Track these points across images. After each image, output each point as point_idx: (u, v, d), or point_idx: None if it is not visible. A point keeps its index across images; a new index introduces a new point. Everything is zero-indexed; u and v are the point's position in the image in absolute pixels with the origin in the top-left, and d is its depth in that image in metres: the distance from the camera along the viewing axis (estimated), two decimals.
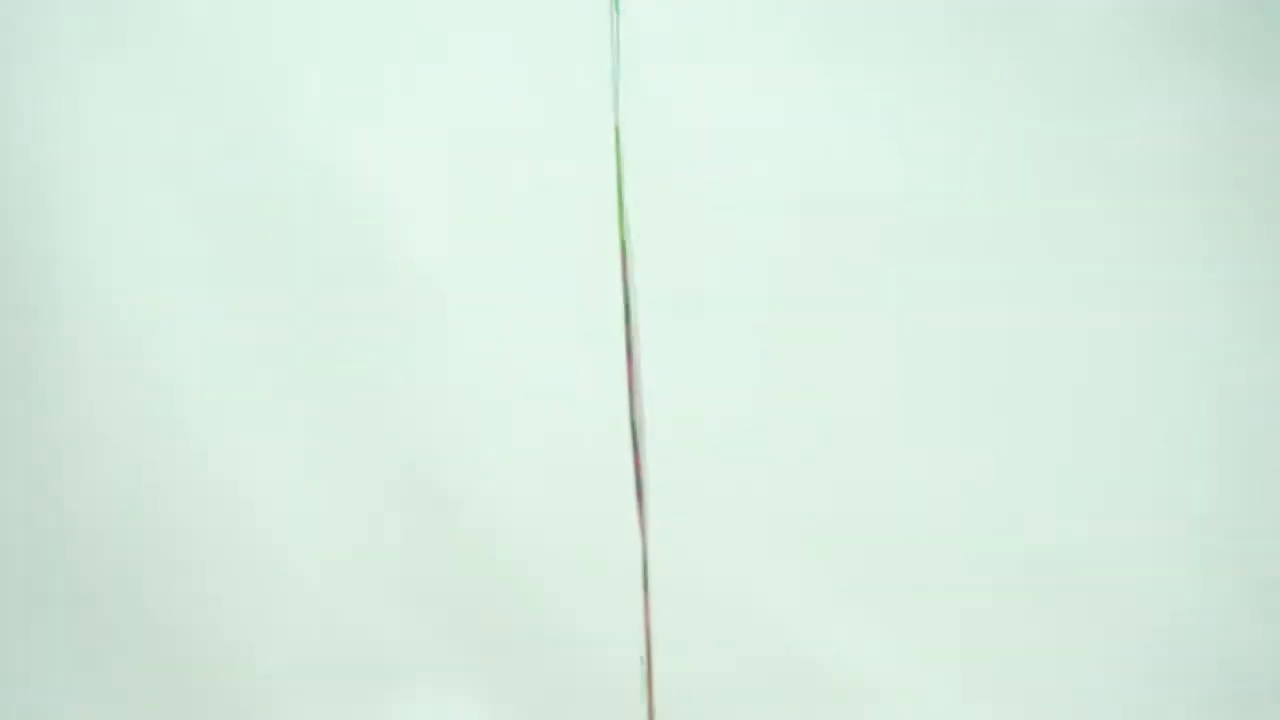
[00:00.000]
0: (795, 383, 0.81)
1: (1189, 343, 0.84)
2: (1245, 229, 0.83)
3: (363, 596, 0.84)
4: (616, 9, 0.51)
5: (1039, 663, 0.82)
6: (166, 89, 0.86)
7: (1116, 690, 0.82)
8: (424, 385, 0.86)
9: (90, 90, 0.85)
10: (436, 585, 0.83)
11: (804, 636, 0.77)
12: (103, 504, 0.87)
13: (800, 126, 0.80)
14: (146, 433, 0.87)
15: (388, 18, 0.85)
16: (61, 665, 0.83)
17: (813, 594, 0.77)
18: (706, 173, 0.80)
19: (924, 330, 0.84)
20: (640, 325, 0.50)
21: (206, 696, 0.84)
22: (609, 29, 0.51)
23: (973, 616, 0.82)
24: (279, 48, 0.89)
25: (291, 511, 0.86)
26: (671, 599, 0.58)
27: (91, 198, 0.86)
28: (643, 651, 0.52)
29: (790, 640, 0.77)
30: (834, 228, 0.80)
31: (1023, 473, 0.83)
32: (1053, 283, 0.83)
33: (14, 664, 0.84)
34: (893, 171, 0.79)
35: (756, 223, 0.83)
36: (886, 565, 0.80)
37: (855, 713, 0.77)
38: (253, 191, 0.88)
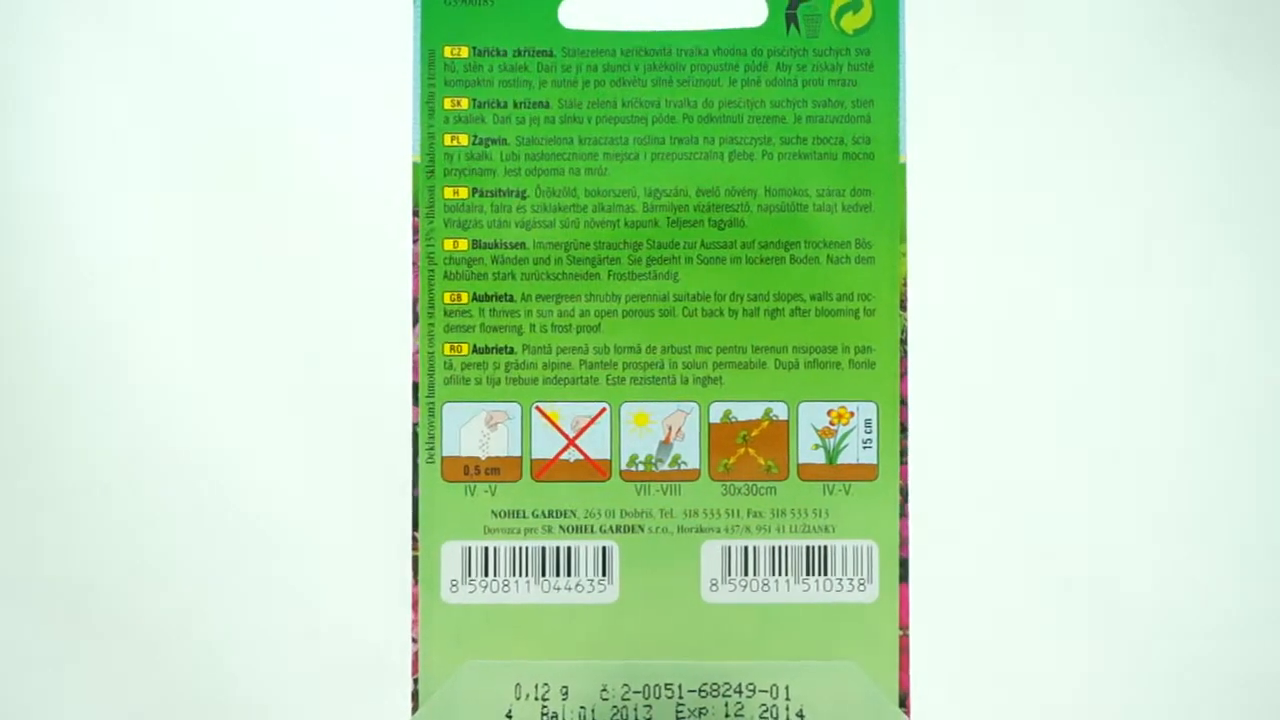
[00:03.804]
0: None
1: (1191, 342, 0.85)
2: (1248, 229, 0.86)
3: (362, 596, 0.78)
4: (896, 30, 0.50)
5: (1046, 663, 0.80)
6: (167, 89, 0.80)
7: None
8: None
9: (89, 90, 0.80)
10: None
11: None
12: (99, 504, 0.80)
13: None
14: (143, 432, 0.80)
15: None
16: (56, 665, 0.79)
17: None
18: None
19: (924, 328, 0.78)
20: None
21: (205, 697, 0.79)
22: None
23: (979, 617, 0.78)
24: (280, 47, 0.80)
25: (290, 510, 0.80)
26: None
27: (88, 197, 0.80)
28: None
29: None
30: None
31: (1027, 472, 0.80)
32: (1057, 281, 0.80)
33: (7, 664, 0.78)
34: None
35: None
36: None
37: None
38: (252, 190, 0.80)
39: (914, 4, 0.50)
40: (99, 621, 0.80)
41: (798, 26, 0.50)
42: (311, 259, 0.81)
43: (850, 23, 0.50)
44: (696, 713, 0.49)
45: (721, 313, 0.50)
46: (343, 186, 0.79)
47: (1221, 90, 0.82)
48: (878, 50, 0.50)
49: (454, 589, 0.50)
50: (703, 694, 0.49)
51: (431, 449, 0.50)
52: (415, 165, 0.50)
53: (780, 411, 0.50)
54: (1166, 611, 0.82)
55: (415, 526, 0.50)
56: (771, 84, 0.50)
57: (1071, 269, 0.80)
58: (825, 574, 0.50)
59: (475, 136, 0.50)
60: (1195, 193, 0.81)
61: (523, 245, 0.50)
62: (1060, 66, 0.79)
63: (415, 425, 0.50)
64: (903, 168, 0.50)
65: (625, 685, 0.49)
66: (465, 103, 0.50)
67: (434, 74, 0.50)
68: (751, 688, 0.49)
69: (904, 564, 0.50)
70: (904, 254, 0.50)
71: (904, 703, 0.49)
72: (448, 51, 0.50)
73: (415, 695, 0.49)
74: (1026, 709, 0.80)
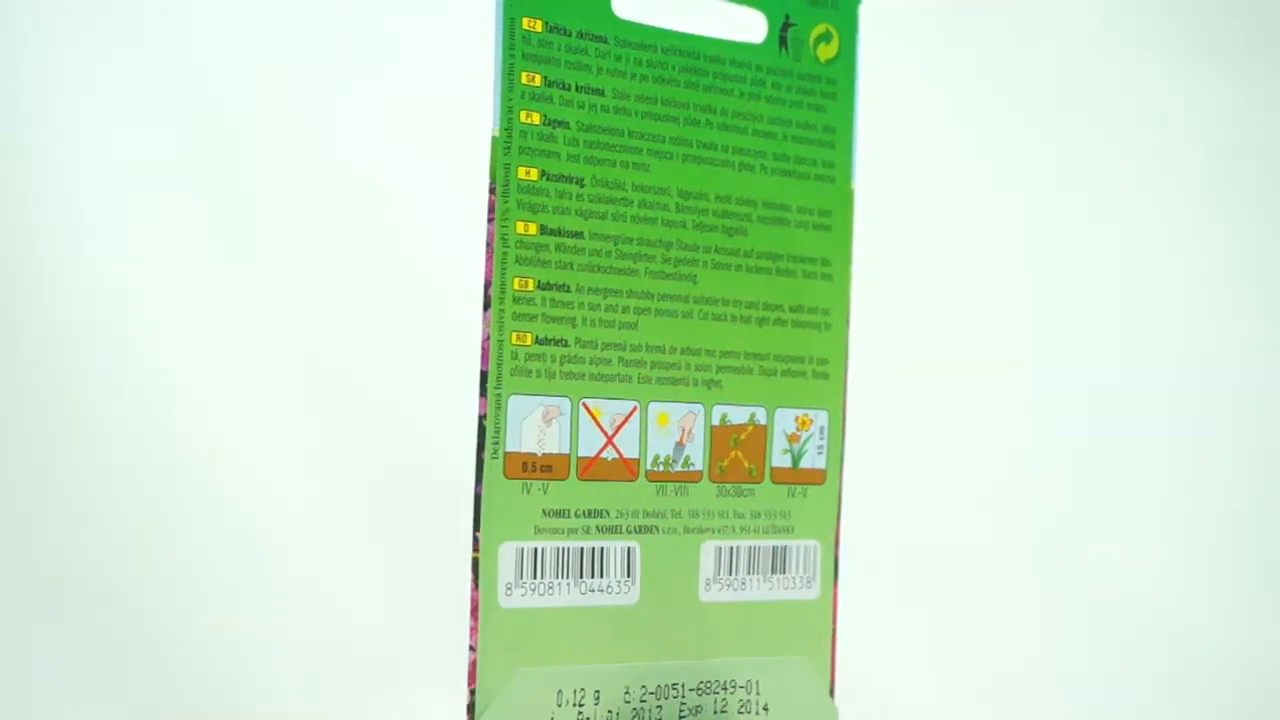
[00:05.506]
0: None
1: (1191, 343, 0.87)
2: (1247, 229, 0.87)
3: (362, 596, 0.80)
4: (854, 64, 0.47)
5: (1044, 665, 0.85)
6: (166, 89, 0.79)
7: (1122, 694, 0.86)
8: (427, 385, 0.81)
9: (90, 90, 0.79)
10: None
11: None
12: (98, 504, 0.78)
13: None
14: (143, 432, 0.78)
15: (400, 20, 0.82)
16: (56, 666, 0.77)
17: None
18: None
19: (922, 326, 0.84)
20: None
21: (205, 698, 0.77)
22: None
23: (975, 618, 0.83)
24: (280, 48, 0.81)
25: (290, 511, 0.79)
26: None
27: (88, 198, 0.79)
28: None
29: None
30: None
31: (1025, 474, 0.85)
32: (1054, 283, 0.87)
33: (7, 665, 0.77)
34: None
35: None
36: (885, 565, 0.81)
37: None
38: (253, 191, 0.80)
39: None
40: (115, 622, 0.78)
41: (786, 48, 0.52)
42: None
43: (824, 52, 0.53)
44: (694, 710, 0.50)
45: (726, 318, 0.51)
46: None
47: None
48: (841, 81, 0.53)
49: (509, 592, 0.47)
50: (699, 692, 0.50)
51: (496, 443, 0.47)
52: (494, 140, 0.47)
53: (761, 416, 0.52)
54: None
55: (477, 526, 0.47)
56: (769, 100, 0.52)
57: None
58: (784, 572, 0.52)
59: (545, 116, 0.48)
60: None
61: (580, 235, 0.48)
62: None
63: (482, 417, 0.47)
64: (852, 193, 0.54)
65: (643, 686, 0.49)
66: (538, 79, 0.47)
67: (514, 45, 0.47)
68: (732, 684, 0.51)
69: (836, 562, 0.54)
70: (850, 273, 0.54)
71: (833, 691, 0.53)
72: (525, 23, 0.47)
73: (471, 708, 0.46)
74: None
